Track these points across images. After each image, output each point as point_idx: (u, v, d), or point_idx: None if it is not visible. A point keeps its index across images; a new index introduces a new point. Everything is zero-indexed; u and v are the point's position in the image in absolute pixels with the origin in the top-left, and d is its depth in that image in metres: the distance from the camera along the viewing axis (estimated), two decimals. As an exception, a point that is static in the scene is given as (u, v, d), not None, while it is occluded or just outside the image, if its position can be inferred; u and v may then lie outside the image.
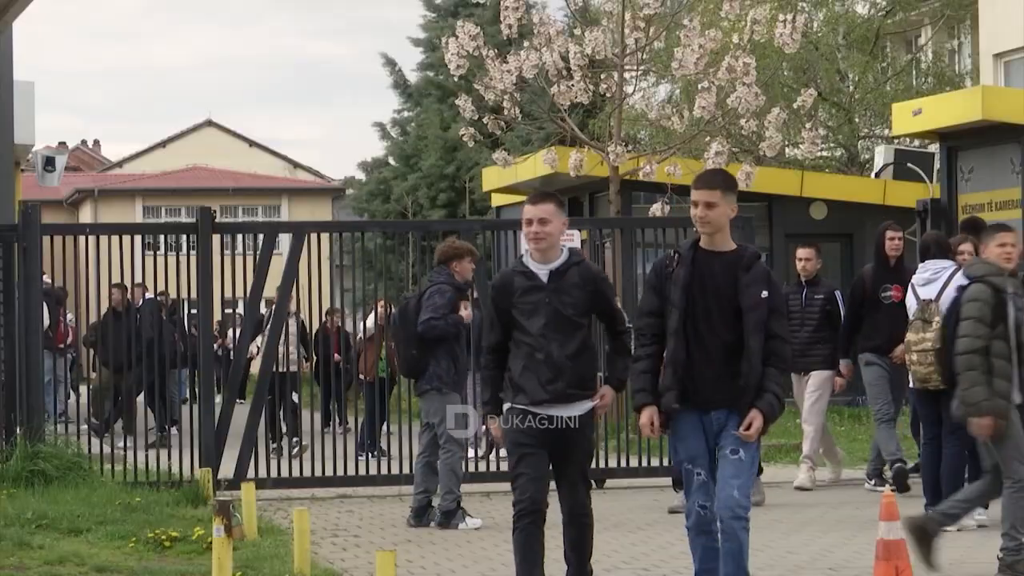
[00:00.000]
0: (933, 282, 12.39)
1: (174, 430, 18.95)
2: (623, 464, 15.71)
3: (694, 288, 8.05)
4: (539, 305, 8.56)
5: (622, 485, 15.47)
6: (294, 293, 16.14)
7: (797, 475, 15.31)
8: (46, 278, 16.02)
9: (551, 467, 8.64)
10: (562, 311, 8.55)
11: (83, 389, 21.51)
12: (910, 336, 12.33)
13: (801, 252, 15.58)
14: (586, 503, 8.71)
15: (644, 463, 15.64)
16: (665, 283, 8.14)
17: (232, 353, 20.36)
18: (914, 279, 12.64)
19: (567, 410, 8.55)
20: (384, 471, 15.58)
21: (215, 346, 19.98)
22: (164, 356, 17.53)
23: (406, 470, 14.88)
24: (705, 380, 8.04)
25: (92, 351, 20.70)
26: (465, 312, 13.23)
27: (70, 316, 21.73)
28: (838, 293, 15.57)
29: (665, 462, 15.54)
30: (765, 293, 8.00)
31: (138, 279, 18.70)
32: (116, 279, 16.12)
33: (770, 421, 8.00)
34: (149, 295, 19.65)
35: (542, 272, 8.64)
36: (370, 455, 17.11)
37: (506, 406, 8.65)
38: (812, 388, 15.29)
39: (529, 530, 8.49)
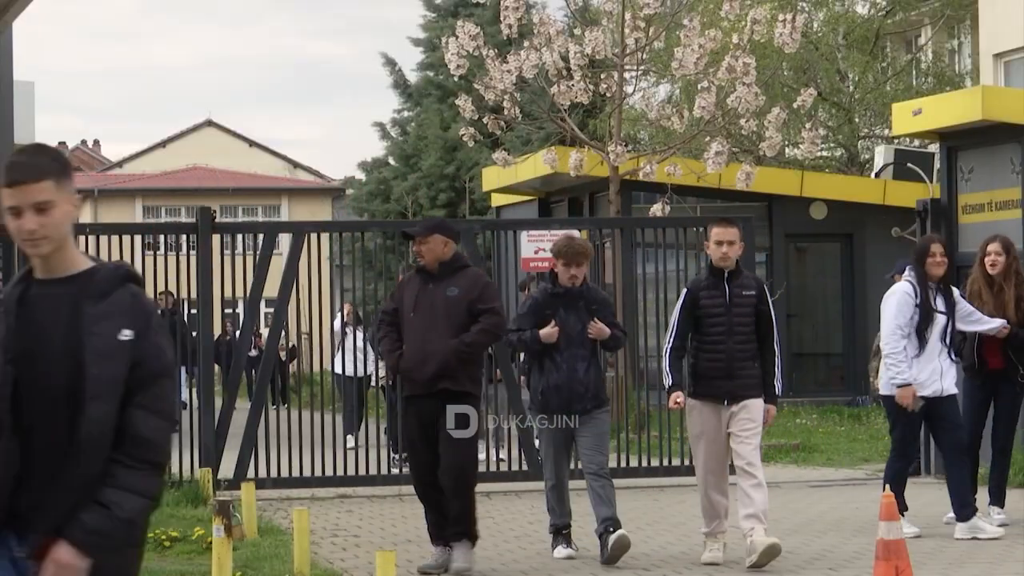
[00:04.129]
0: None
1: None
2: (623, 464, 15.68)
3: (16, 346, 4.61)
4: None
5: (622, 485, 15.41)
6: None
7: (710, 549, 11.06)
8: None
9: None
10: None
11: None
12: None
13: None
14: None
15: (644, 463, 15.63)
16: None
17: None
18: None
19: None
20: (384, 471, 15.58)
21: (252, 348, 19.91)
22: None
23: (406, 470, 14.85)
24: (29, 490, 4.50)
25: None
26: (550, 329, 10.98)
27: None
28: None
29: (665, 462, 15.56)
30: (128, 334, 4.64)
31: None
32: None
33: (97, 549, 4.39)
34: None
35: None
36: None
37: None
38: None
39: None
